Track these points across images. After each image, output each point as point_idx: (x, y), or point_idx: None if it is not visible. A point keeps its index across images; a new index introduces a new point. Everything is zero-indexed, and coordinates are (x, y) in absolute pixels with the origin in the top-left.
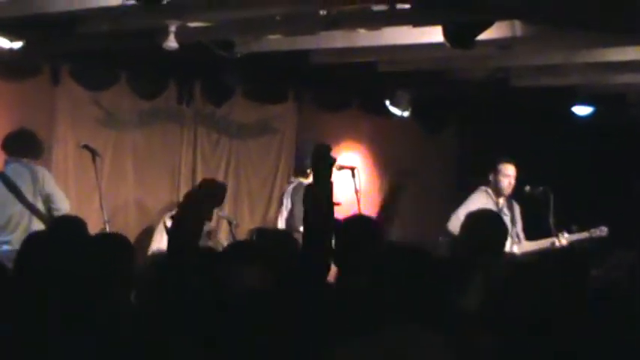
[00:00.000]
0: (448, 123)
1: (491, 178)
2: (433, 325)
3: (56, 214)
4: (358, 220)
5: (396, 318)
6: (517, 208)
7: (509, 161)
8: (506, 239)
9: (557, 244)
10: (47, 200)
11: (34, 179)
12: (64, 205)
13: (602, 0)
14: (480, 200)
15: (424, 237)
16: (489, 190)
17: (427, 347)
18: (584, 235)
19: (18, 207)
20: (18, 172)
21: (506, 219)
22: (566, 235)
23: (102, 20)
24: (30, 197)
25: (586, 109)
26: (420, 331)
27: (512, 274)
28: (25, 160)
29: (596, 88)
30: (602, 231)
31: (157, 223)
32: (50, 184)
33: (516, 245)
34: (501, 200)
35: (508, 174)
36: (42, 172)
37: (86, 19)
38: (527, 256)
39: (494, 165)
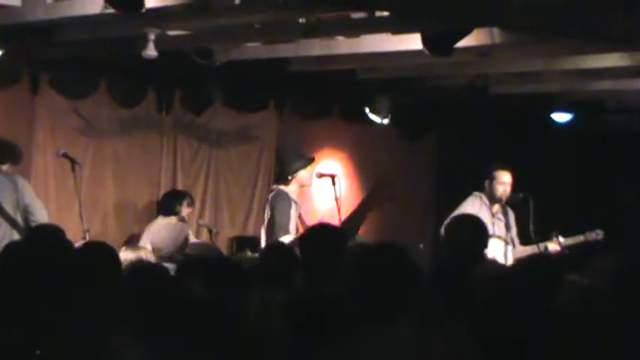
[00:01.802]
0: (428, 130)
1: (486, 184)
2: (410, 326)
3: (34, 225)
4: (320, 229)
5: (371, 320)
6: (512, 214)
7: (504, 168)
8: (485, 244)
9: (550, 248)
10: (25, 211)
11: (13, 189)
12: (42, 217)
13: (580, 7)
14: (472, 206)
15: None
16: (483, 197)
17: (403, 348)
18: (579, 238)
19: None
20: None
21: (501, 224)
22: (561, 239)
23: (81, 29)
24: (7, 207)
25: (565, 116)
26: (394, 331)
27: (488, 278)
28: (3, 168)
29: (575, 95)
30: (598, 234)
31: (137, 231)
32: (29, 195)
33: (511, 250)
34: (496, 206)
35: (504, 181)
36: (21, 182)
37: (65, 27)
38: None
39: (490, 172)
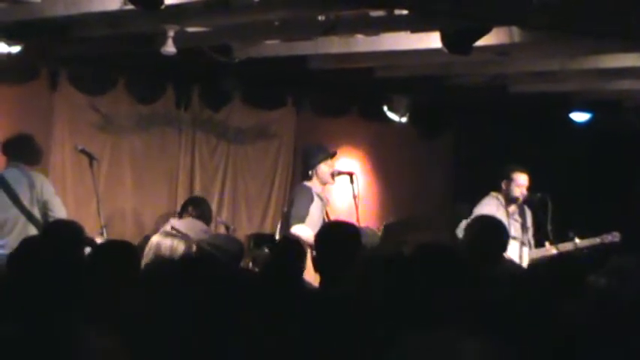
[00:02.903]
0: (446, 128)
1: (503, 185)
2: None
3: (52, 220)
4: (336, 226)
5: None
6: (529, 215)
7: (523, 170)
8: (505, 247)
9: (565, 250)
10: (44, 207)
11: (32, 186)
12: (60, 214)
13: (599, 7)
14: (489, 206)
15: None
16: (500, 197)
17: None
18: (595, 240)
19: (14, 211)
20: (16, 177)
21: (517, 225)
22: (577, 240)
23: (100, 25)
24: (27, 203)
25: (583, 116)
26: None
27: (508, 280)
28: (23, 165)
29: (593, 95)
30: (615, 236)
31: (154, 228)
32: (48, 191)
33: (527, 251)
34: (512, 207)
35: (521, 183)
36: (40, 179)
37: (84, 23)
38: (535, 261)
39: (507, 173)
